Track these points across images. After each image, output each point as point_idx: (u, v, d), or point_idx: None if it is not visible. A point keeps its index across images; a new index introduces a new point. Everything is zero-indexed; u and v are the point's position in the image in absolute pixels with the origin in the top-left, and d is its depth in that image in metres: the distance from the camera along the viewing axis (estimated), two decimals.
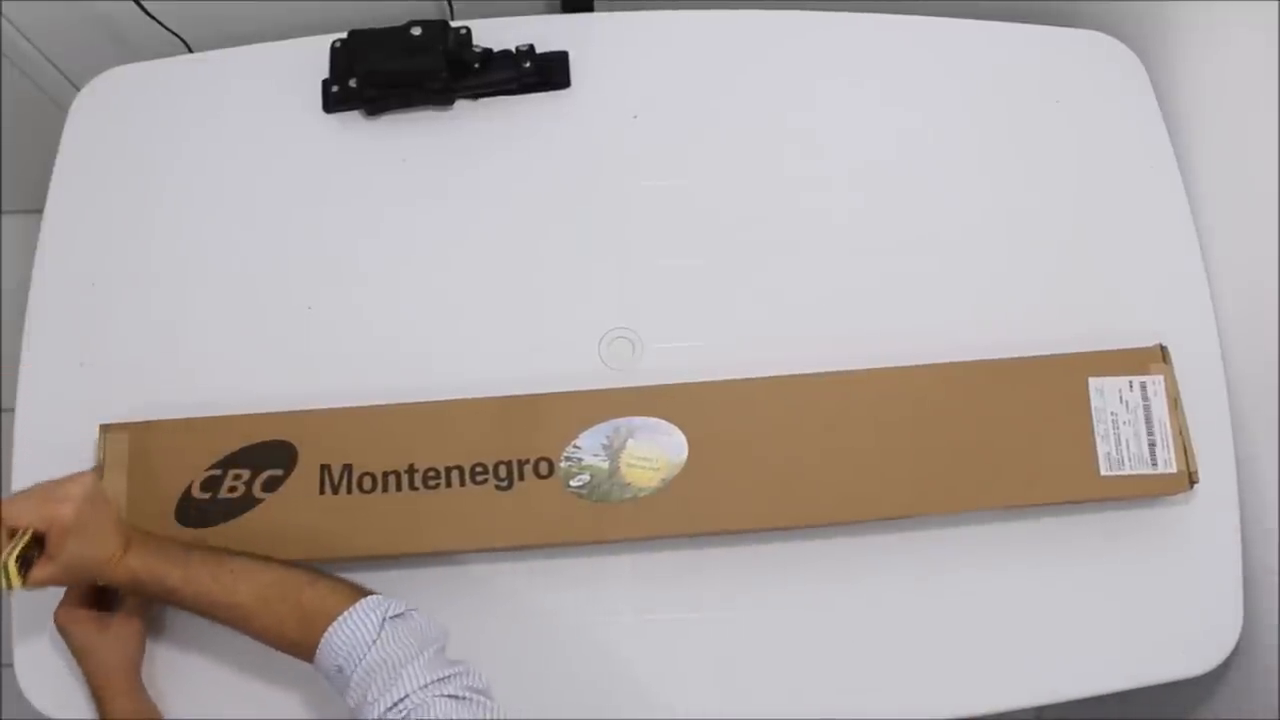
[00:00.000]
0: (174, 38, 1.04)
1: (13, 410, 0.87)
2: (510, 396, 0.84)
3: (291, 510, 0.80)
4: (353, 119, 0.97)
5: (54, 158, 0.95)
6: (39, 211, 0.93)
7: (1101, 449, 0.82)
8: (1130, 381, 0.84)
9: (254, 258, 0.92)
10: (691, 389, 0.83)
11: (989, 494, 0.82)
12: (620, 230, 0.93)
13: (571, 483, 0.80)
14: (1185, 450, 0.82)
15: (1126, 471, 0.82)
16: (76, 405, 0.86)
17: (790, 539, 0.83)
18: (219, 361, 0.89)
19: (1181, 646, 0.84)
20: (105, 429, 0.82)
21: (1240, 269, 0.91)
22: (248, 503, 0.80)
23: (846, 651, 0.82)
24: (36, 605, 0.83)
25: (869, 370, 0.84)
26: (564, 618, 0.82)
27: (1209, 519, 0.86)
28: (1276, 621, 0.86)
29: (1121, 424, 0.83)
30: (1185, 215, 0.95)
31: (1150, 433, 0.83)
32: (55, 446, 0.85)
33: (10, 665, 0.81)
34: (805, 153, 0.96)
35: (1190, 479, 0.82)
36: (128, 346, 0.89)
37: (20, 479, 0.85)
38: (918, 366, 0.84)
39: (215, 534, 0.79)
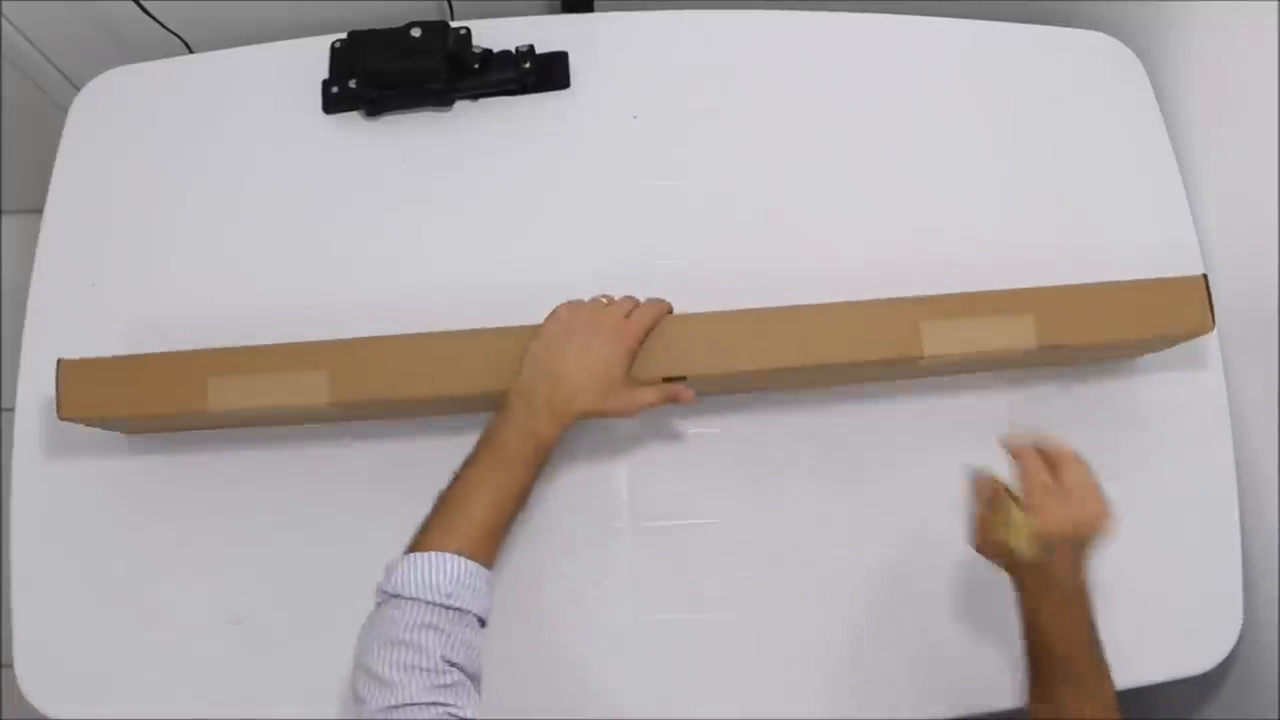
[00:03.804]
0: (174, 38, 1.04)
1: (13, 410, 0.87)
2: None
3: None
4: (352, 119, 0.97)
5: (54, 158, 0.95)
6: (39, 211, 0.93)
7: None
8: None
9: (253, 258, 0.92)
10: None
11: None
12: (620, 230, 0.93)
13: None
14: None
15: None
16: None
17: (790, 539, 0.83)
18: None
19: (1181, 646, 0.84)
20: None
21: (1240, 269, 0.91)
22: None
23: (846, 651, 0.82)
24: (37, 605, 0.83)
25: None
26: (563, 617, 0.82)
27: (1209, 519, 0.86)
28: (1276, 621, 0.86)
29: None
30: (1185, 215, 0.95)
31: None
32: (55, 446, 0.85)
33: (10, 665, 0.81)
34: (804, 153, 0.96)
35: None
36: (127, 347, 0.89)
37: (20, 479, 0.86)
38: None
39: None
